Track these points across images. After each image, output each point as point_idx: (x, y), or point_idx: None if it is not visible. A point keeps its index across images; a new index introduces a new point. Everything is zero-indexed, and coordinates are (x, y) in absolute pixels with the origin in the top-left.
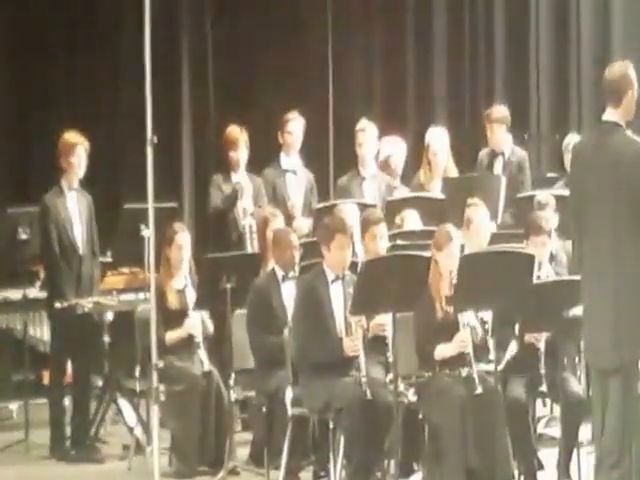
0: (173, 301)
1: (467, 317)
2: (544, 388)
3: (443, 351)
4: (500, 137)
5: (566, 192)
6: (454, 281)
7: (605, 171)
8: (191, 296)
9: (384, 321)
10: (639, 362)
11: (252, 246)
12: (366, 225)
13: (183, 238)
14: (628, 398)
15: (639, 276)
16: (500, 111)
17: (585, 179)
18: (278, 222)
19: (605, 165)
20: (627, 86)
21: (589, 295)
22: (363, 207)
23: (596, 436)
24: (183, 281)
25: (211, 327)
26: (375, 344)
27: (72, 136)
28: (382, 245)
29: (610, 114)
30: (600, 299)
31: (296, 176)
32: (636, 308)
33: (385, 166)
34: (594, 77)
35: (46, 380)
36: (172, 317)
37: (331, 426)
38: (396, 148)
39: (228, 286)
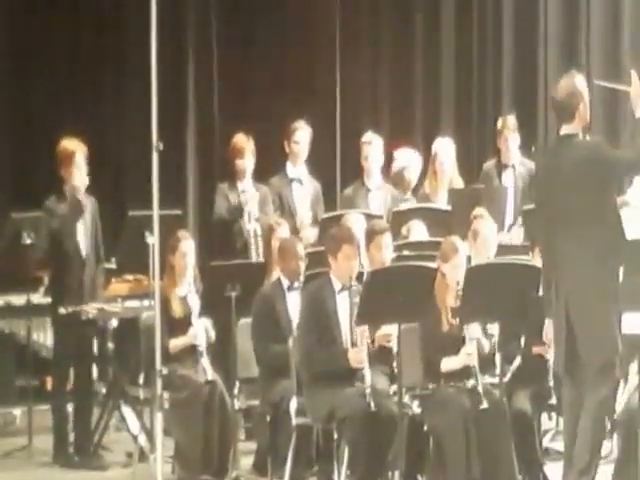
0: (177, 309)
1: (473, 330)
2: (553, 401)
3: (449, 364)
4: (513, 149)
5: None
6: (460, 293)
7: (565, 174)
8: (195, 304)
9: (390, 332)
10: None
11: (257, 252)
12: (371, 235)
13: (187, 246)
14: (603, 400)
15: (608, 266)
16: (514, 122)
17: (551, 184)
18: (283, 231)
19: (565, 169)
20: (577, 101)
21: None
22: (369, 218)
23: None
24: (187, 289)
25: (213, 335)
26: (380, 355)
27: (69, 144)
28: (388, 255)
29: (566, 129)
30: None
31: (302, 185)
32: (605, 296)
33: (399, 178)
34: (602, 89)
35: (49, 386)
36: (176, 325)
37: (335, 436)
38: (411, 160)
39: (233, 294)
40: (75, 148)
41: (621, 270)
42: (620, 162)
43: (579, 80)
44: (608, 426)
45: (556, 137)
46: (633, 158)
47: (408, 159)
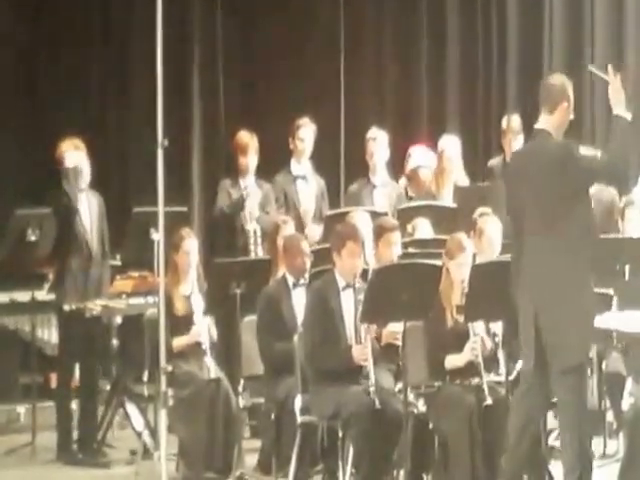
0: (180, 307)
1: (477, 327)
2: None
3: (454, 361)
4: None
5: None
6: (466, 290)
7: (537, 172)
8: (198, 302)
9: (397, 329)
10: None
11: (256, 251)
12: (381, 232)
13: (190, 244)
14: (581, 406)
15: (578, 266)
16: (518, 122)
17: (520, 183)
18: (289, 229)
19: (537, 167)
20: (564, 96)
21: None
22: (375, 215)
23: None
24: (190, 287)
25: (215, 334)
26: (385, 352)
27: (67, 144)
28: (396, 252)
29: (543, 121)
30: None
31: (307, 182)
32: (576, 297)
33: (413, 176)
34: (607, 89)
35: (54, 383)
36: (179, 323)
37: (340, 434)
38: (426, 159)
39: (238, 292)
40: (72, 149)
41: (627, 268)
42: (591, 168)
43: (570, 87)
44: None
45: (534, 131)
46: (605, 165)
47: (424, 158)
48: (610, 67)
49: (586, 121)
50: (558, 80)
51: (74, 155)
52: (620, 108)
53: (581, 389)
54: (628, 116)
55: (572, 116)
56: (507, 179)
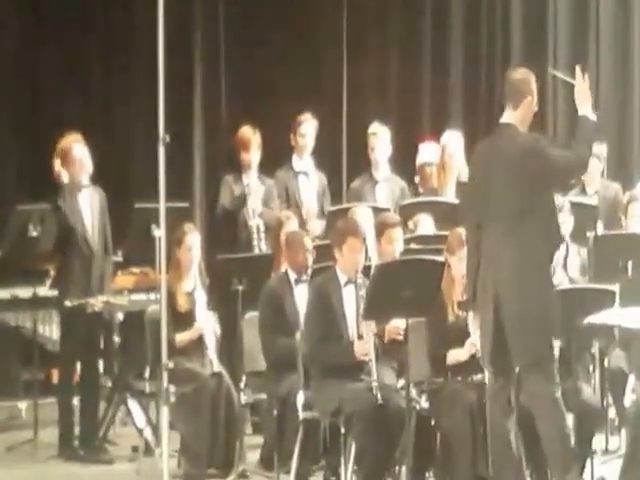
0: (182, 303)
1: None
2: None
3: (455, 356)
4: None
5: (582, 198)
6: None
7: (502, 164)
8: (200, 298)
9: (400, 324)
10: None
11: (259, 247)
12: (383, 228)
13: (193, 239)
14: (551, 402)
15: (539, 263)
16: None
17: (486, 176)
18: (292, 225)
19: (502, 159)
20: (528, 90)
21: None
22: (377, 211)
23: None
24: (192, 283)
25: (218, 330)
26: (388, 349)
27: (64, 141)
28: (398, 248)
29: (508, 116)
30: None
31: (308, 178)
32: (537, 287)
33: (422, 171)
34: (611, 84)
35: (55, 379)
36: (181, 319)
37: (342, 431)
38: (433, 156)
39: (239, 288)
40: (72, 144)
41: (630, 264)
42: (559, 163)
43: (533, 80)
44: (569, 424)
45: (498, 125)
46: (573, 160)
47: (430, 155)
48: (578, 68)
49: None
50: (521, 74)
51: (75, 149)
52: (586, 109)
53: (547, 384)
54: (594, 117)
55: (536, 108)
56: (472, 171)
